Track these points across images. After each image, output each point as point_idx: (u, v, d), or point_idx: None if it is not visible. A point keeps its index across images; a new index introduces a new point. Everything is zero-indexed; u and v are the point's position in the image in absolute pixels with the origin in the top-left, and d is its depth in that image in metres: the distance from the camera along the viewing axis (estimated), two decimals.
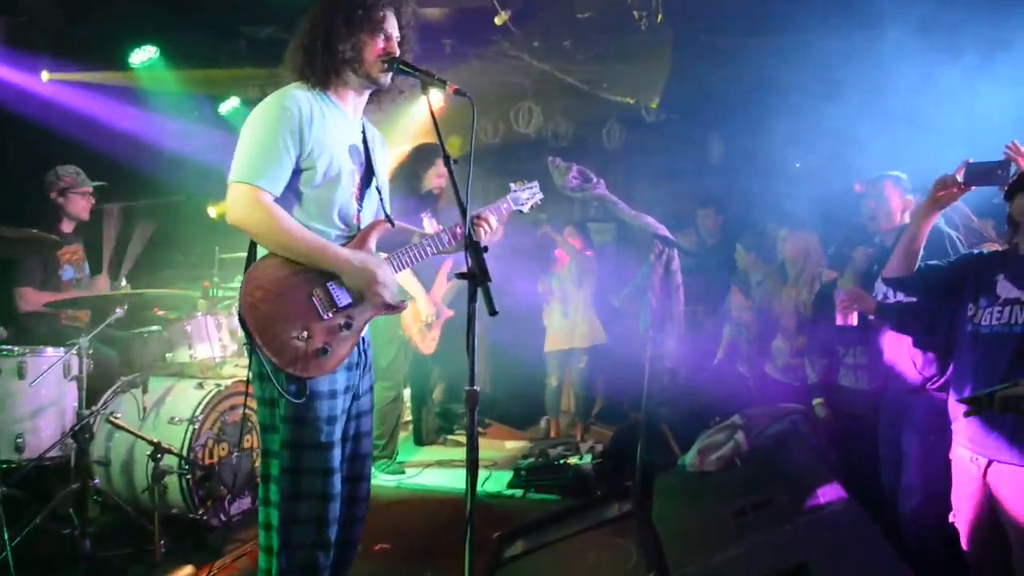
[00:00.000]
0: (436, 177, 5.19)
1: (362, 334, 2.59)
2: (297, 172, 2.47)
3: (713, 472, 3.85)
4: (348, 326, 2.50)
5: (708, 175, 7.44)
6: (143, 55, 5.94)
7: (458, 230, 2.70)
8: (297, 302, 2.43)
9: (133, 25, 5.84)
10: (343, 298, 2.50)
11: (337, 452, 2.52)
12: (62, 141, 5.38)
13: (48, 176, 4.63)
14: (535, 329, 6.76)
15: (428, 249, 2.70)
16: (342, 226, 2.57)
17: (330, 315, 2.47)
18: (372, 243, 2.59)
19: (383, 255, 2.66)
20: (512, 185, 3.03)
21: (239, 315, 2.42)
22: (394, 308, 2.63)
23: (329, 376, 2.47)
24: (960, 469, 2.86)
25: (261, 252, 2.50)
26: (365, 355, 2.69)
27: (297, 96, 2.48)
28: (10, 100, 5.26)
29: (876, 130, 4.74)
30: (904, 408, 3.47)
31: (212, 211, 6.64)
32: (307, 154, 2.45)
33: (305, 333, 2.41)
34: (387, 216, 2.71)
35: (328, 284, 2.48)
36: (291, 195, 2.49)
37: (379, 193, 2.71)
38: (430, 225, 4.63)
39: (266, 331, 2.38)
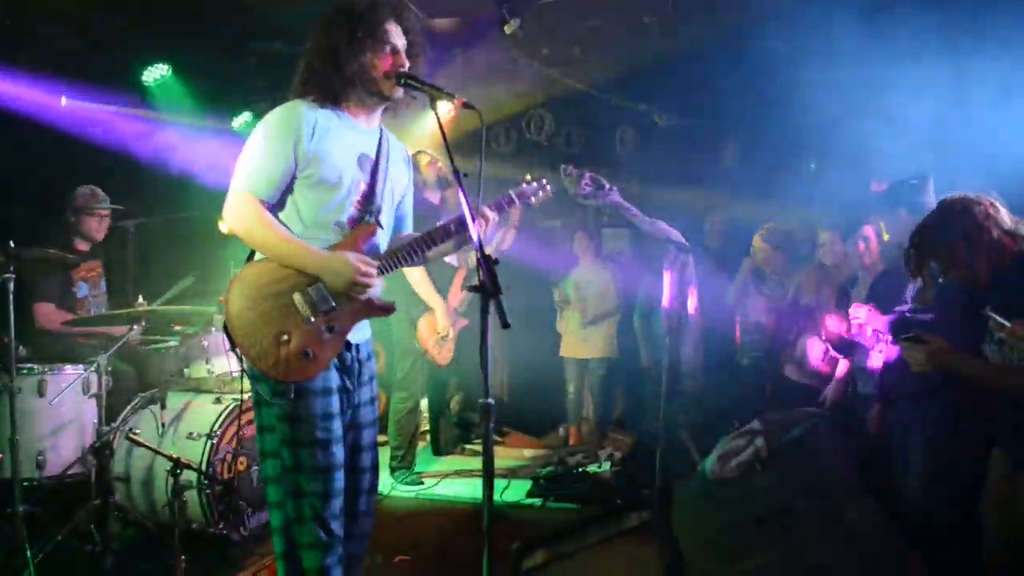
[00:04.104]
0: (429, 166, 5.24)
1: (347, 337, 2.57)
2: (297, 179, 2.50)
3: (733, 478, 3.82)
4: (331, 329, 2.50)
5: (722, 179, 7.40)
6: (155, 73, 5.99)
7: (451, 227, 2.67)
8: (279, 307, 2.45)
9: (145, 44, 5.90)
10: (326, 302, 2.49)
11: (338, 449, 2.51)
12: (78, 161, 5.44)
13: (66, 197, 4.68)
14: (552, 335, 6.74)
15: (416, 248, 2.66)
16: (337, 231, 2.56)
17: (313, 319, 2.46)
18: (360, 248, 2.57)
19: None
20: (521, 181, 2.99)
21: (224, 321, 2.45)
22: (380, 310, 2.62)
23: (323, 373, 2.48)
24: (995, 466, 2.81)
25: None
26: (360, 364, 2.67)
27: (299, 108, 2.51)
28: (29, 122, 5.32)
29: (892, 132, 4.70)
30: (913, 409, 3.44)
31: (224, 226, 6.67)
32: (306, 162, 2.48)
33: (286, 337, 2.42)
34: (378, 223, 2.65)
35: (310, 288, 2.48)
36: (290, 201, 2.53)
37: (382, 203, 2.67)
38: None
39: (248, 336, 2.42)
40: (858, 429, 4.04)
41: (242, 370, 2.57)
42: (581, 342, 6.51)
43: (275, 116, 2.53)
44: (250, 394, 2.60)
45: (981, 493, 2.83)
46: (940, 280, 2.81)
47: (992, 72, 4.49)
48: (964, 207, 2.71)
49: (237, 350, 2.44)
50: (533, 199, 2.96)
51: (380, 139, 2.69)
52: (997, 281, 2.68)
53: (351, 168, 2.57)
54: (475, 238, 2.25)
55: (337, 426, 2.53)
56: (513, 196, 2.89)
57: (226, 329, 2.45)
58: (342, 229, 2.57)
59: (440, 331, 5.24)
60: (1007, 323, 2.48)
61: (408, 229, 2.90)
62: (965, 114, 4.53)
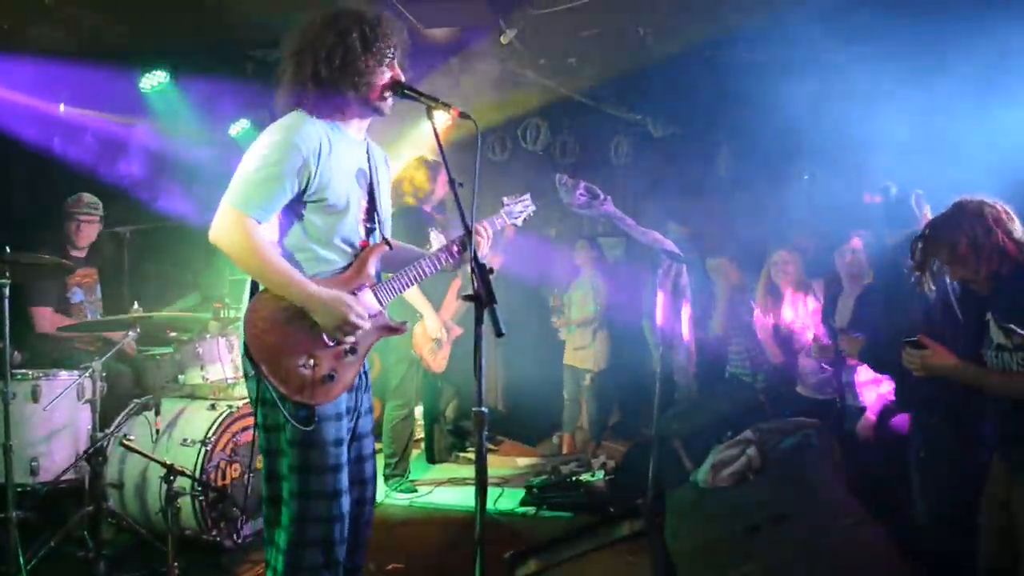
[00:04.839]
0: (443, 185, 5.27)
1: (365, 358, 2.60)
2: (305, 203, 2.46)
3: (726, 488, 3.83)
4: (353, 351, 2.51)
5: (717, 189, 7.44)
6: (153, 80, 6.00)
7: (455, 248, 2.72)
8: (302, 330, 2.43)
9: (143, 50, 5.92)
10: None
11: (344, 474, 2.52)
12: (75, 167, 5.45)
13: (62, 204, 4.72)
14: (547, 344, 6.75)
15: (426, 269, 2.70)
16: (348, 251, 2.56)
17: (335, 342, 2.47)
18: (371, 268, 2.59)
19: (378, 280, 2.66)
20: (504, 199, 3.04)
21: (243, 346, 2.42)
22: (395, 331, 2.66)
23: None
24: (994, 470, 2.83)
25: None
26: (365, 376, 2.70)
27: (307, 129, 2.44)
28: (24, 129, 5.34)
29: (886, 143, 4.74)
30: (917, 416, 3.46)
31: (210, 237, 6.67)
32: (315, 188, 2.44)
33: (312, 361, 2.42)
34: (385, 239, 2.68)
35: None
36: (298, 224, 2.49)
37: (380, 215, 2.69)
38: (438, 240, 4.65)
39: (272, 361, 2.39)
40: (850, 441, 4.06)
41: (248, 380, 2.54)
42: (577, 351, 6.53)
43: (279, 134, 2.44)
44: (245, 401, 2.60)
45: (979, 499, 2.85)
46: (947, 279, 2.83)
47: (974, 79, 4.53)
48: (977, 208, 2.75)
49: (265, 377, 2.37)
50: (519, 221, 3.03)
51: (368, 148, 2.67)
52: (998, 289, 2.70)
53: (354, 188, 2.55)
54: (471, 248, 2.26)
55: (344, 451, 2.54)
56: (504, 217, 2.96)
57: (247, 354, 2.41)
58: (354, 249, 2.57)
59: (432, 333, 5.24)
60: None
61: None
62: (954, 119, 4.56)
